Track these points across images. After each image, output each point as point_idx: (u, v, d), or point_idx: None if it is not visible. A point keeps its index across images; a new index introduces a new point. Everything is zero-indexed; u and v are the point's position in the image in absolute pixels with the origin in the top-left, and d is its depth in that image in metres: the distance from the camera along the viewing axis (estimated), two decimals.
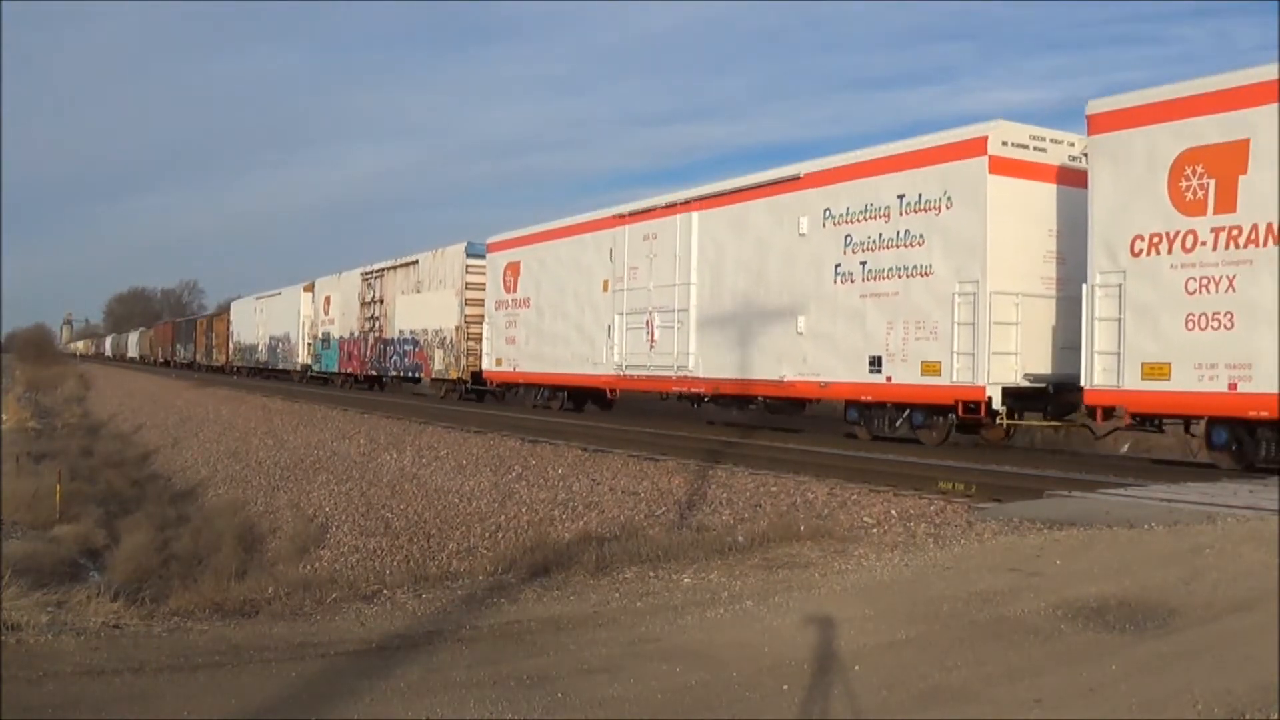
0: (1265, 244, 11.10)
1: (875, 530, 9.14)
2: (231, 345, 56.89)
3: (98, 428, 42.29)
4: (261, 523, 18.40)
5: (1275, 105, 11.01)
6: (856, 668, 4.95)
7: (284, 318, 46.31)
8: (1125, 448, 15.59)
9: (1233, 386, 11.37)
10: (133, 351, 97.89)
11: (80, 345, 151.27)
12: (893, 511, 9.97)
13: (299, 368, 44.02)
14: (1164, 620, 5.51)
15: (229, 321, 58.40)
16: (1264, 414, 11.18)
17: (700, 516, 11.27)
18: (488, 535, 13.31)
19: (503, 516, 13.75)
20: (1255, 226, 11.20)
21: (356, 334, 36.66)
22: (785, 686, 4.73)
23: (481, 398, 28.66)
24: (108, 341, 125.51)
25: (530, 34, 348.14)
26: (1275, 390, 10.97)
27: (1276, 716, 4.14)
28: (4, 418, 40.52)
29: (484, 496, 14.87)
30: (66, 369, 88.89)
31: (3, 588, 6.24)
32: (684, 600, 6.45)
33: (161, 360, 79.94)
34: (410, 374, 32.14)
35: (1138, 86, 11.63)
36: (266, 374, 49.15)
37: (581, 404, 24.23)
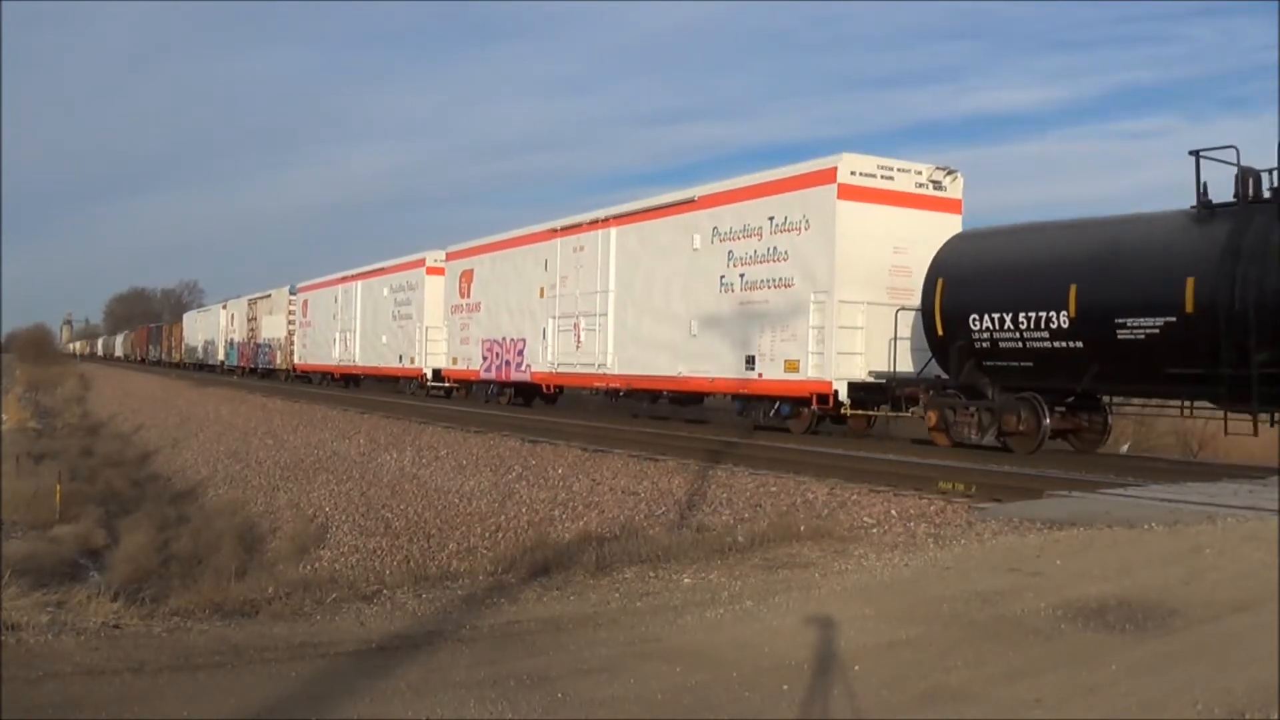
0: (475, 312, 27.22)
1: (875, 530, 9.14)
2: (183, 347, 72.95)
3: (98, 428, 42.35)
4: (261, 523, 18.41)
5: (489, 257, 26.75)
6: (856, 668, 4.95)
7: (211, 327, 63.16)
8: (1126, 448, 15.63)
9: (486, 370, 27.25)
10: (119, 351, 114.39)
11: (77, 345, 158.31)
12: (893, 511, 9.96)
13: (219, 363, 60.53)
14: (1164, 620, 5.50)
15: (182, 328, 75.59)
16: (533, 380, 24.43)
17: (700, 516, 11.27)
18: (488, 535, 13.31)
19: (503, 516, 13.74)
20: (473, 304, 27.42)
21: (245, 340, 53.93)
22: (785, 686, 4.73)
23: (309, 381, 42.56)
24: (100, 342, 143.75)
25: (531, 34, 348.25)
26: (540, 370, 24.08)
27: (1276, 716, 4.13)
28: (4, 418, 40.58)
29: (484, 496, 14.87)
30: (66, 369, 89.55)
31: (3, 588, 6.24)
32: (684, 600, 6.45)
33: (139, 358, 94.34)
34: (268, 366, 48.57)
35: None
36: (202, 368, 64.33)
37: (347, 384, 39.32)
